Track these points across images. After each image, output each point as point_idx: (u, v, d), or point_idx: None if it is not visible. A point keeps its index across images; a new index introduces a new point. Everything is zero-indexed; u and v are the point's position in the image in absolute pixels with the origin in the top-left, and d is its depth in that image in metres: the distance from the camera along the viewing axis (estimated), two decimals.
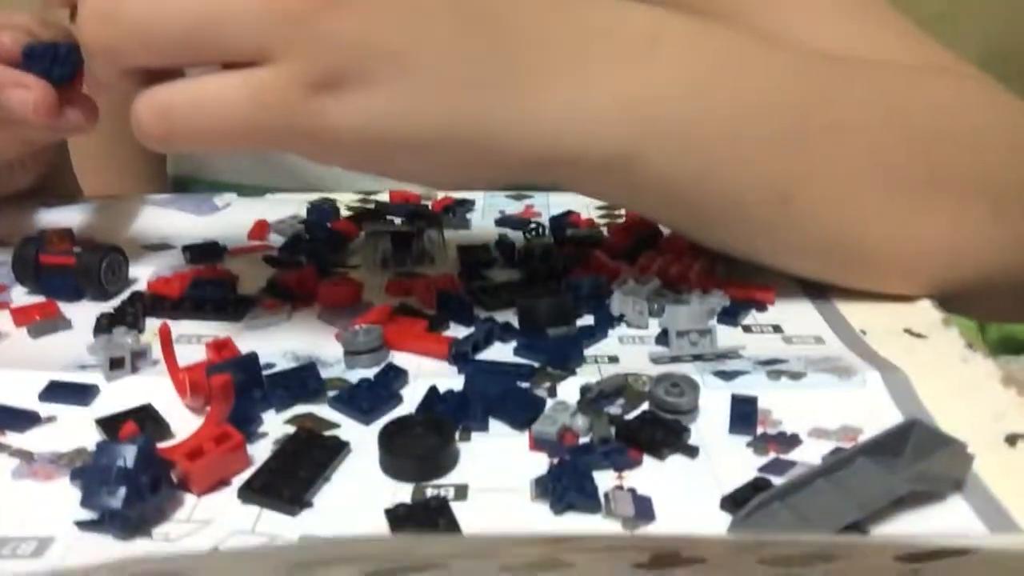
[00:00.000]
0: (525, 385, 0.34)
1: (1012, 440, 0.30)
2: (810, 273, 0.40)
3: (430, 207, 0.52)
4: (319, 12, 0.30)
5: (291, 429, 0.31)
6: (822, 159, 0.37)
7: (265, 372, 0.34)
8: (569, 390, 0.34)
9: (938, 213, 0.38)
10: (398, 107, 0.31)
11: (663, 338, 0.38)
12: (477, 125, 0.32)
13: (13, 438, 0.31)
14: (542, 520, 0.27)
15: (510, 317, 0.39)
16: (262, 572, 0.19)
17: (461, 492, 0.28)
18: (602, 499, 0.28)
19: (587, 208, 0.52)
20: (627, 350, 0.37)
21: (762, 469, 0.30)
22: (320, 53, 0.30)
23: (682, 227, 0.41)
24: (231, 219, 0.51)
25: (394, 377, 0.34)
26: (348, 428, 0.32)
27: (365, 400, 0.33)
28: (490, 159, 0.33)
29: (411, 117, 0.31)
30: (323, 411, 0.33)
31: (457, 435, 0.31)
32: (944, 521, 0.27)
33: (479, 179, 0.36)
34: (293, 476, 0.29)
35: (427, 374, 0.35)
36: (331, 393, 0.33)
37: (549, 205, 0.53)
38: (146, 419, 0.31)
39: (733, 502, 0.28)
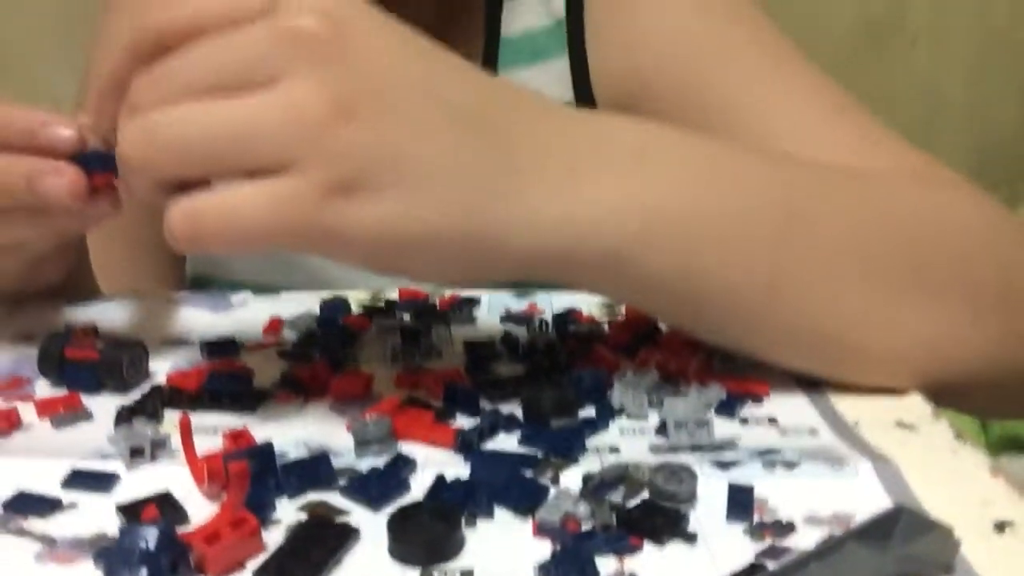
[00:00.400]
0: (529, 473, 0.35)
1: (1000, 527, 0.31)
2: (799, 365, 0.42)
3: (437, 305, 0.54)
4: (335, 126, 0.33)
5: (303, 516, 0.33)
6: (805, 256, 0.39)
7: (279, 461, 0.35)
8: (572, 479, 0.35)
9: (916, 311, 0.40)
10: (405, 209, 0.34)
11: (662, 429, 0.39)
12: (478, 223, 0.35)
13: (35, 524, 0.32)
14: None
15: (515, 409, 0.40)
16: None
17: None
18: None
19: (589, 305, 0.54)
20: (627, 441, 0.38)
21: (759, 555, 0.30)
22: (335, 163, 0.33)
23: (674, 319, 0.43)
24: (246, 316, 0.53)
25: (402, 466, 0.36)
26: (358, 515, 0.33)
27: (374, 488, 0.34)
28: (490, 255, 0.36)
29: (417, 218, 0.34)
30: (334, 499, 0.34)
31: (463, 521, 0.32)
32: None
33: (481, 275, 0.39)
34: (305, 560, 0.30)
35: (434, 463, 0.36)
36: (342, 481, 0.35)
37: (552, 303, 0.55)
38: (165, 505, 0.33)
39: None
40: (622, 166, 0.37)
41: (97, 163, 0.40)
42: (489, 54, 0.61)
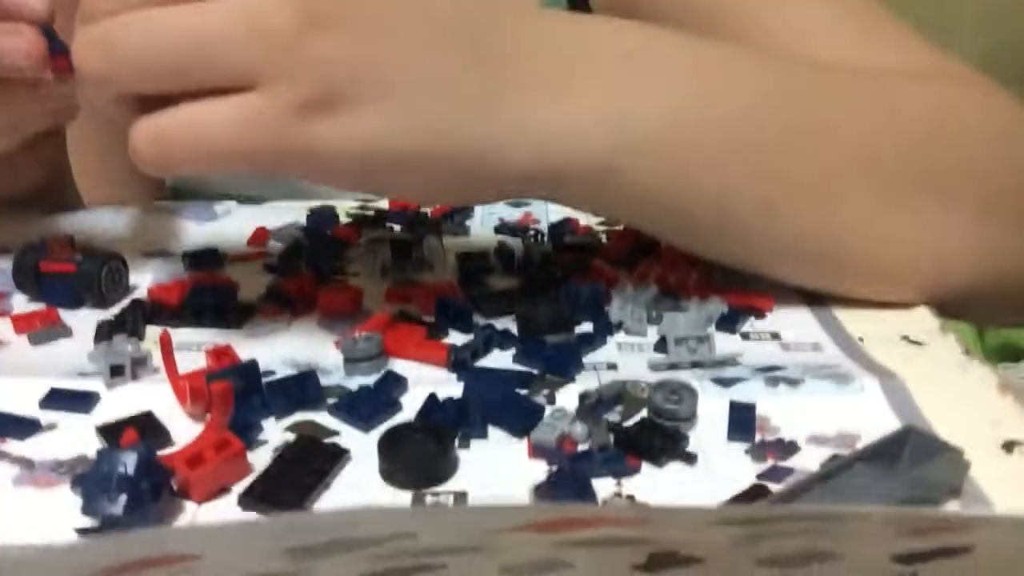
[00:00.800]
0: (524, 392, 0.34)
1: (1009, 447, 0.30)
2: (800, 280, 0.40)
3: (429, 214, 0.52)
4: (303, 36, 0.30)
5: (291, 436, 0.32)
6: (806, 167, 0.37)
7: (265, 379, 0.34)
8: (568, 397, 0.34)
9: (924, 218, 0.38)
10: (385, 126, 0.32)
11: (662, 345, 0.38)
12: (462, 140, 0.33)
13: (13, 445, 0.31)
14: None
15: (509, 324, 0.39)
16: (257, 554, 0.19)
17: (461, 499, 0.29)
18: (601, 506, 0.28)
19: (586, 215, 0.52)
20: (626, 357, 0.37)
21: (760, 476, 0.30)
22: (306, 77, 0.31)
23: (667, 236, 0.41)
24: (231, 226, 0.51)
25: (393, 384, 0.34)
26: (348, 435, 0.32)
27: (365, 407, 0.33)
28: (476, 173, 0.34)
29: (398, 135, 0.32)
30: (323, 418, 0.33)
31: (456, 442, 0.31)
32: None
33: (469, 195, 0.37)
34: (294, 483, 0.29)
35: (426, 381, 0.35)
36: (331, 400, 0.33)
37: (548, 212, 0.53)
38: (146, 426, 0.32)
39: None
40: (612, 72, 0.35)
41: (61, 48, 0.38)
42: None
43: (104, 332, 0.38)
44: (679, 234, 0.40)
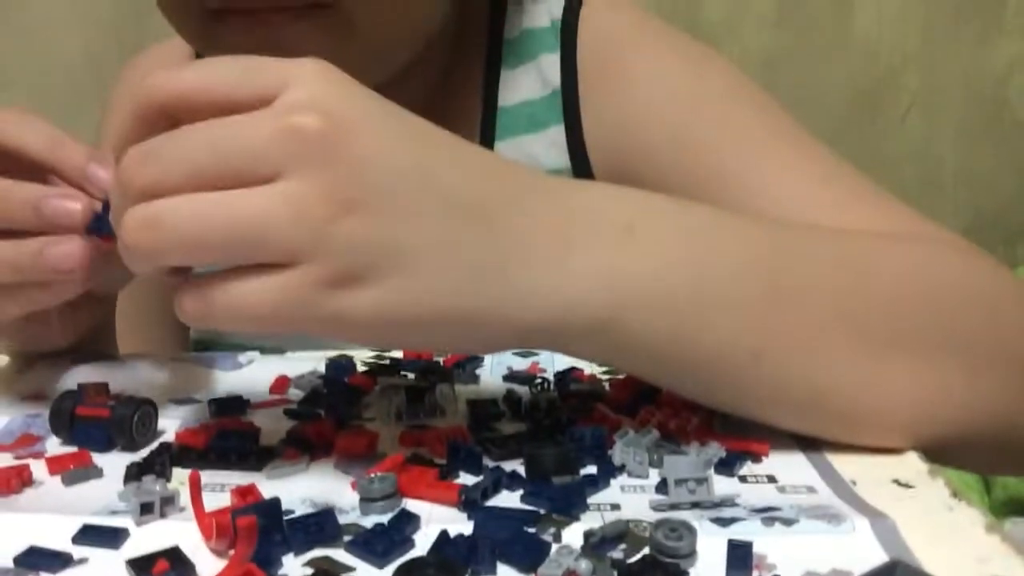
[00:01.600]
0: (531, 530, 0.36)
1: None
2: (789, 425, 0.42)
3: (442, 363, 0.55)
4: (338, 220, 0.34)
5: (309, 571, 0.33)
6: (789, 322, 0.40)
7: (285, 518, 0.36)
8: (573, 535, 0.35)
9: (904, 370, 0.40)
10: (403, 296, 0.35)
11: (663, 487, 0.39)
12: (470, 304, 0.36)
13: None
14: None
15: (517, 467, 0.41)
16: None
17: None
18: None
19: (590, 365, 0.55)
20: (628, 498, 0.39)
21: None
22: (337, 257, 0.34)
23: (663, 382, 0.44)
24: (253, 375, 0.54)
25: (407, 522, 0.36)
26: (363, 571, 0.33)
27: (379, 544, 0.34)
28: (485, 331, 0.37)
29: (413, 303, 0.36)
30: (339, 555, 0.34)
31: None
32: None
33: (478, 347, 0.40)
34: None
35: (438, 519, 0.37)
36: (347, 537, 0.35)
37: (554, 362, 0.56)
38: (174, 560, 0.33)
39: None
40: (611, 239, 0.38)
41: (108, 230, 0.41)
42: (487, 124, 0.63)
43: (133, 473, 0.40)
44: (676, 381, 0.42)
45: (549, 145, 0.62)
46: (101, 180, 0.43)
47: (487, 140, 0.62)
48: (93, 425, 0.44)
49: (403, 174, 0.35)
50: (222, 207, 0.34)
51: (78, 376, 0.52)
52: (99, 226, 0.42)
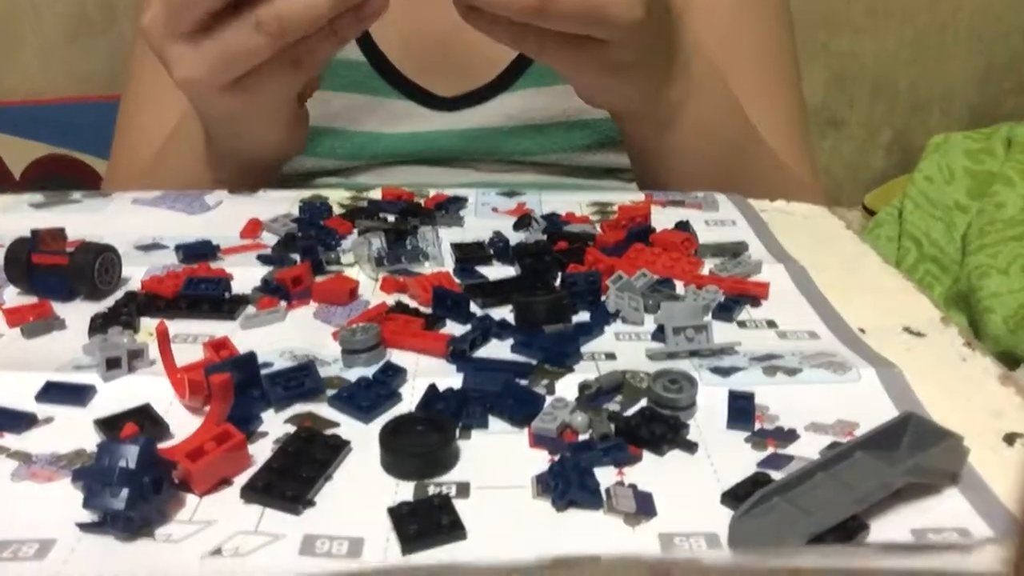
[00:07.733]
0: (523, 382, 0.34)
1: (1010, 439, 0.31)
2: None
3: (423, 204, 0.52)
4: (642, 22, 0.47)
5: (291, 428, 0.31)
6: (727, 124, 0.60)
7: (263, 371, 0.34)
8: (567, 387, 0.34)
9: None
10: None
11: (659, 334, 0.38)
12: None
13: (11, 440, 0.31)
14: (545, 517, 0.27)
15: (506, 314, 0.39)
16: None
17: (463, 489, 0.29)
18: (603, 495, 0.28)
19: (580, 205, 0.52)
20: (624, 347, 0.37)
21: (761, 464, 0.30)
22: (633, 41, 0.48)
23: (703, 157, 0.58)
24: (223, 217, 0.51)
25: (393, 375, 0.34)
26: (348, 427, 0.32)
27: (364, 399, 0.33)
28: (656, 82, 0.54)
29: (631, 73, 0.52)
30: (323, 410, 0.33)
31: (457, 433, 0.31)
32: (943, 518, 0.27)
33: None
34: (295, 475, 0.29)
35: (425, 372, 0.35)
36: (330, 392, 0.33)
37: (541, 203, 0.53)
38: (145, 419, 0.31)
39: (733, 497, 0.28)
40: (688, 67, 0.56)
41: None
42: None
43: (98, 324, 0.38)
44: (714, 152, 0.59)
45: None
46: None
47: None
48: (52, 273, 0.41)
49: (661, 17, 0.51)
50: None
51: (32, 221, 0.49)
52: None
